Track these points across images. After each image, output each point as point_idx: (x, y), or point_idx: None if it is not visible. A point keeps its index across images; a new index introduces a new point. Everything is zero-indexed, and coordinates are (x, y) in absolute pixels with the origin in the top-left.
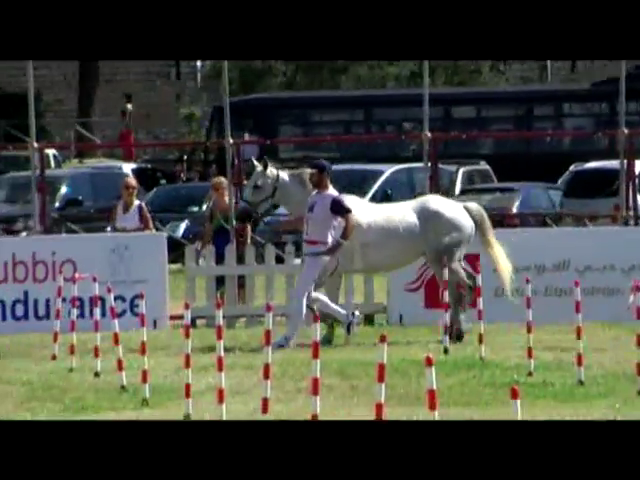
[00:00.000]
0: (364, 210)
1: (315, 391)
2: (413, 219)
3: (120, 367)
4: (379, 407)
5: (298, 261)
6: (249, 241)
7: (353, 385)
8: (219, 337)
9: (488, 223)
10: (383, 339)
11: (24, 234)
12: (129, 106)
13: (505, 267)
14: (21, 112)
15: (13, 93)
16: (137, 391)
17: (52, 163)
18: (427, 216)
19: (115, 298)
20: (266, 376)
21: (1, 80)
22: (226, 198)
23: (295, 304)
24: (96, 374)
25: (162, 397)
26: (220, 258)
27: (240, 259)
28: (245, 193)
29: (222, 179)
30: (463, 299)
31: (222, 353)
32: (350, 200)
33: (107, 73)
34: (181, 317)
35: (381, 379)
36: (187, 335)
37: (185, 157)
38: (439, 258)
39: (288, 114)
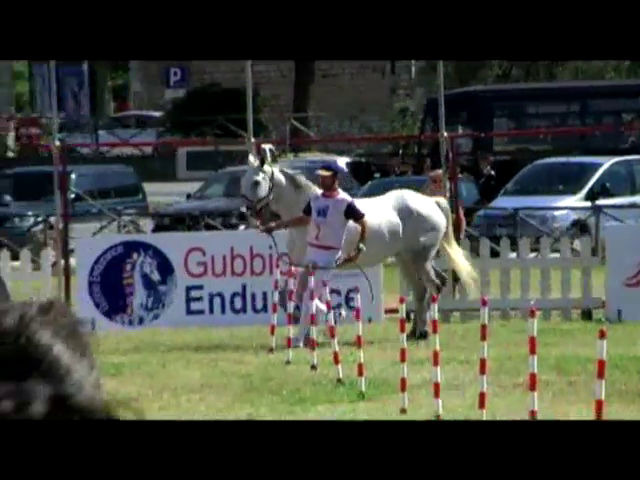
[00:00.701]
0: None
1: (532, 387)
2: (396, 219)
3: (336, 360)
4: (599, 404)
5: (513, 255)
6: (462, 235)
7: (571, 381)
8: (434, 331)
9: (450, 220)
10: (603, 335)
11: (242, 227)
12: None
13: (464, 266)
14: (238, 107)
15: (231, 89)
16: (353, 384)
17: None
18: (407, 215)
19: (331, 292)
20: (482, 371)
21: (220, 76)
22: (446, 191)
23: (306, 308)
24: (313, 367)
25: (378, 390)
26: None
27: None
28: (243, 189)
29: (439, 172)
30: (429, 299)
31: (437, 347)
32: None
33: (322, 68)
34: (396, 311)
35: (601, 375)
36: (402, 329)
37: (399, 151)
38: (416, 257)
39: (502, 107)
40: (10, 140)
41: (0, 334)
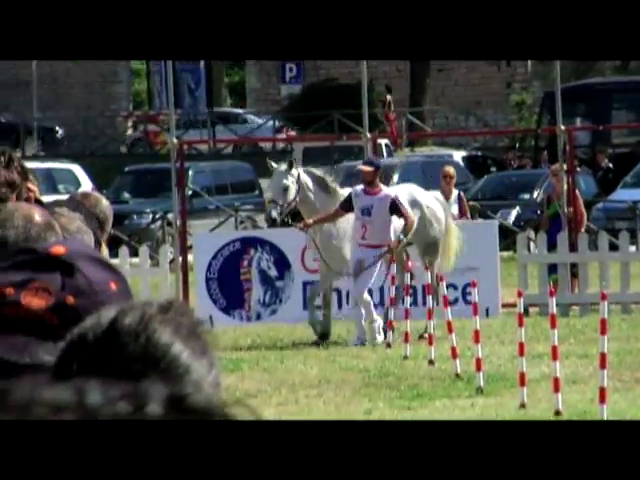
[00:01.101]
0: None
1: None
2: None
3: (454, 355)
4: None
5: (633, 248)
6: (583, 229)
7: None
8: (553, 325)
9: (448, 212)
10: None
11: None
12: (388, 97)
13: (454, 246)
14: (354, 103)
15: (346, 84)
16: (471, 379)
17: (384, 152)
18: (418, 208)
19: (447, 286)
20: (602, 365)
21: (335, 72)
22: (564, 184)
23: (360, 307)
24: (430, 362)
25: (497, 385)
26: (553, 245)
27: (573, 246)
28: (273, 194)
29: (557, 166)
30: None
31: (556, 342)
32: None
33: (438, 62)
34: (514, 305)
35: None
36: (520, 323)
37: (516, 144)
38: (427, 249)
39: (621, 99)
40: (128, 137)
41: (120, 333)
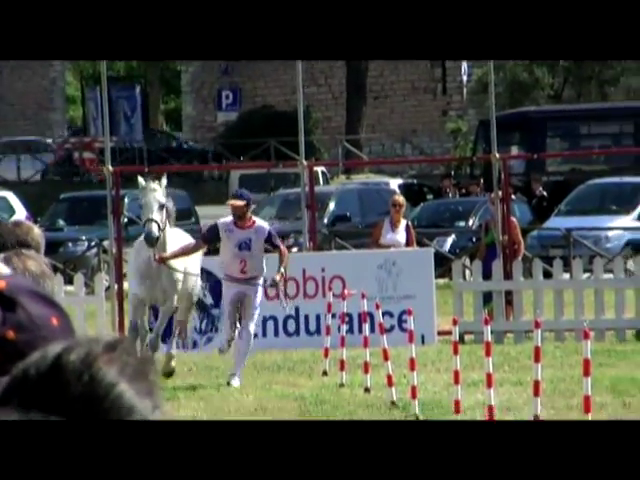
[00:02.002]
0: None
1: (587, 409)
2: None
3: (390, 383)
4: None
5: (566, 276)
6: (520, 256)
7: (626, 403)
8: (488, 353)
9: None
10: None
11: (295, 250)
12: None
13: None
14: (290, 130)
15: (283, 111)
16: (407, 406)
17: (320, 180)
18: None
19: (383, 314)
20: (536, 393)
21: (272, 99)
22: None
23: (249, 339)
24: (366, 389)
25: (432, 413)
26: (489, 274)
27: (508, 274)
28: (150, 211)
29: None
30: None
31: (491, 369)
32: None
33: (374, 90)
34: (449, 332)
35: None
36: (455, 351)
37: (451, 172)
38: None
39: (555, 127)
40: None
41: (65, 370)
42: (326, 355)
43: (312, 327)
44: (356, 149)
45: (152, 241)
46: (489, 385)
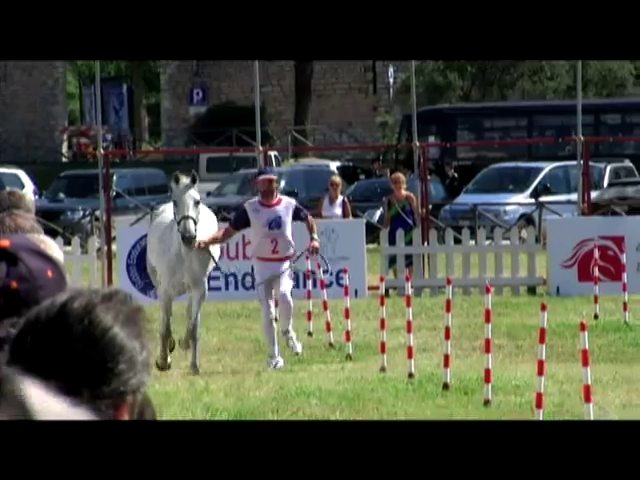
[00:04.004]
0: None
1: (487, 349)
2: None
3: (328, 328)
4: (540, 363)
5: (473, 242)
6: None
7: (519, 345)
8: (408, 304)
9: None
10: (544, 307)
11: None
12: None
13: None
14: (249, 121)
15: (243, 106)
16: (342, 348)
17: (273, 162)
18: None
19: (324, 272)
20: (447, 337)
21: (234, 96)
22: (402, 190)
23: (288, 300)
24: (309, 333)
25: (362, 353)
26: (394, 240)
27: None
28: (185, 209)
29: (399, 174)
30: None
31: (411, 317)
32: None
33: (317, 89)
34: (377, 288)
35: (542, 340)
36: (382, 303)
37: (380, 157)
38: None
39: (464, 122)
40: (64, 148)
41: (69, 315)
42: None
43: None
44: (303, 137)
45: (190, 240)
46: (409, 330)
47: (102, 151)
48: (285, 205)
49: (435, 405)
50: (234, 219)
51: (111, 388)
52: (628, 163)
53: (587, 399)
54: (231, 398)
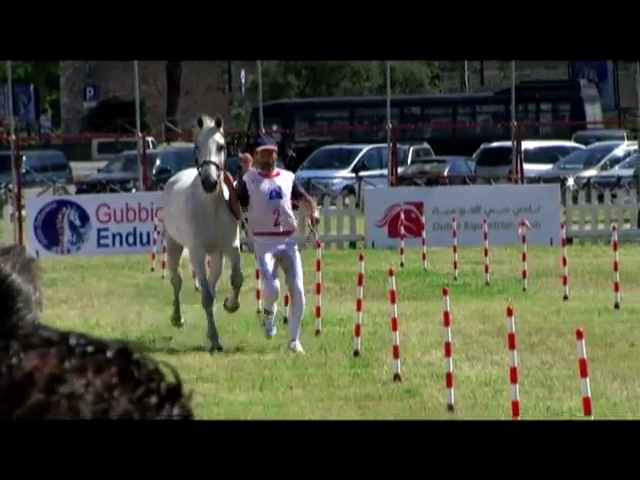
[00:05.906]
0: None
1: (318, 291)
2: None
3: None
4: (359, 302)
5: None
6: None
7: (342, 287)
8: None
9: None
10: (362, 258)
11: (134, 191)
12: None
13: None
14: (131, 113)
15: (126, 101)
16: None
17: (150, 145)
18: None
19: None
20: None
21: (119, 93)
22: (250, 167)
23: (302, 299)
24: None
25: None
26: None
27: None
28: (208, 153)
29: (248, 155)
30: None
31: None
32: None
33: (185, 88)
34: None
35: (360, 283)
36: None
37: (235, 141)
38: None
39: (300, 113)
40: None
41: None
42: (153, 258)
43: (144, 240)
44: (174, 126)
45: (211, 185)
46: (257, 277)
47: (14, 137)
48: (284, 177)
49: (278, 335)
50: (239, 193)
51: (11, 322)
52: (426, 145)
53: (394, 328)
54: (117, 332)
